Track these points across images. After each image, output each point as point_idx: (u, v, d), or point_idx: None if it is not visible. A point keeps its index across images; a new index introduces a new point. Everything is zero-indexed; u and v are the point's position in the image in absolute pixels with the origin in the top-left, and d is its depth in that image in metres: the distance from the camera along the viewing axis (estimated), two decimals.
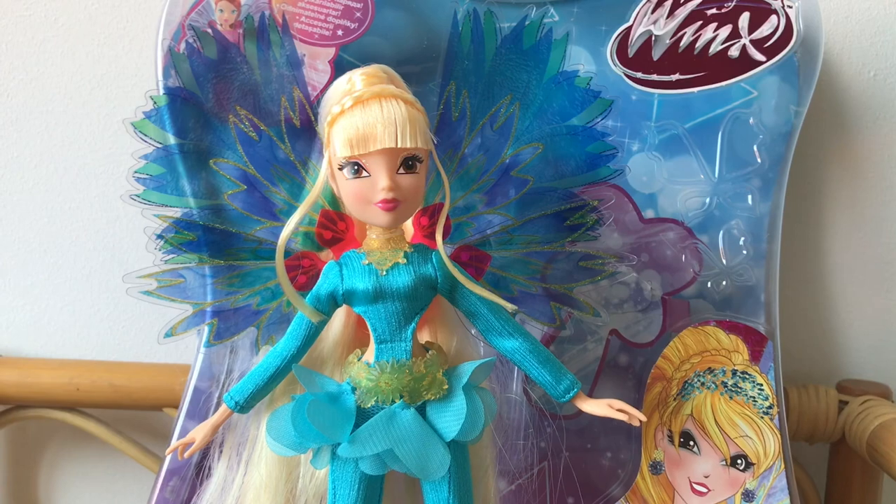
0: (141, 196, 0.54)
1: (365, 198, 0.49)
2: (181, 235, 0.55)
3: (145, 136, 0.54)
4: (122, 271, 0.55)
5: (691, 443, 0.59)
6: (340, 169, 0.49)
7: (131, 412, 0.75)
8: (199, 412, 0.59)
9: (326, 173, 0.50)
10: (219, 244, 0.55)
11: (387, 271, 0.50)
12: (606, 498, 0.61)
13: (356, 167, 0.48)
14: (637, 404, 0.60)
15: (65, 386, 0.71)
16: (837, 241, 0.74)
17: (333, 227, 0.55)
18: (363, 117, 0.47)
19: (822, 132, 0.72)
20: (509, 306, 0.52)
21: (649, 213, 0.62)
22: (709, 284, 0.62)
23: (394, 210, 0.49)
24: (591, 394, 0.60)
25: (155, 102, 0.54)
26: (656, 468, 0.60)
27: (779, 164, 0.62)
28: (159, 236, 0.54)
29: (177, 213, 0.55)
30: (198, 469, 0.58)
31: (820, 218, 0.73)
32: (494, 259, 0.56)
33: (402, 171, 0.48)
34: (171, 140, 0.55)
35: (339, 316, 0.54)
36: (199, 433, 0.53)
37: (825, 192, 0.73)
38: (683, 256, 0.62)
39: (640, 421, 0.52)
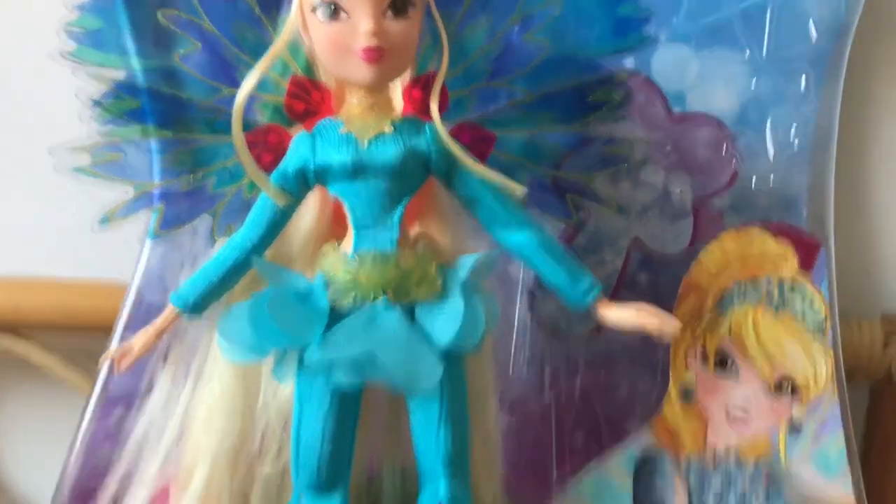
0: (74, 54, 0.46)
1: (343, 45, 0.40)
2: (122, 102, 0.47)
3: None
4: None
5: (729, 363, 0.51)
6: (313, 11, 0.40)
7: (80, 336, 0.65)
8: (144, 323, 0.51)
9: (296, 20, 0.41)
10: (168, 113, 0.47)
11: (369, 142, 0.42)
12: (622, 433, 0.53)
13: (332, 7, 0.40)
14: None
15: (2, 305, 0.64)
16: (886, 157, 0.66)
17: (306, 98, 0.46)
18: None
19: (879, 32, 0.63)
20: (518, 188, 0.43)
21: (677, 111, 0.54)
22: (753, 184, 0.54)
23: (379, 62, 0.40)
24: None
25: None
26: (686, 394, 0.52)
27: (828, 55, 0.55)
28: (96, 103, 0.46)
29: (118, 75, 0.47)
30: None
31: (867, 128, 0.65)
32: (501, 142, 0.48)
33: (390, 14, 0.40)
34: None
35: (312, 205, 0.45)
36: (139, 340, 0.45)
37: (876, 100, 0.65)
38: (724, 149, 0.53)
39: (672, 338, 0.44)
